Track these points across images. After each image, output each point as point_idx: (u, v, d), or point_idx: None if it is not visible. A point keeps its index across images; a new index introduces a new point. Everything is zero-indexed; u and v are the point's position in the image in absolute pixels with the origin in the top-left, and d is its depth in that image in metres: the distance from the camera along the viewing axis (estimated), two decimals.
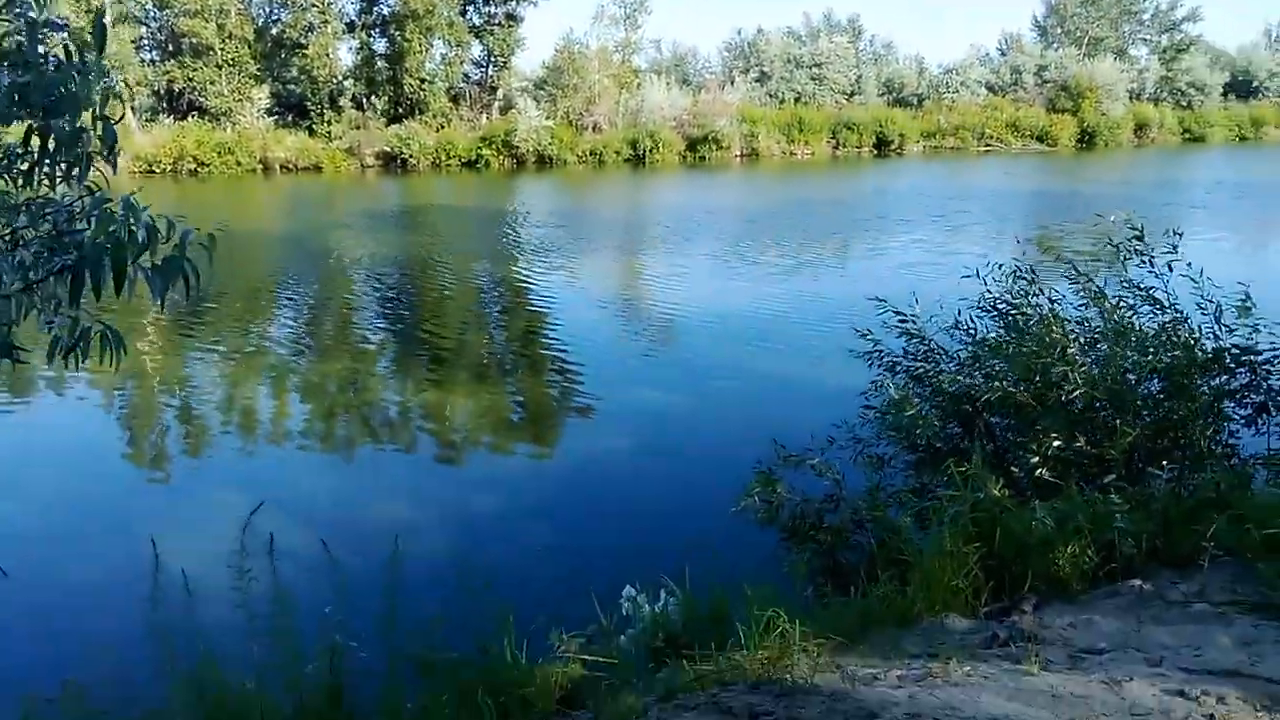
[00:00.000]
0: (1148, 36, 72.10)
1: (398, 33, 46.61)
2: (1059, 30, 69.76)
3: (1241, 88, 70.59)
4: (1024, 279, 5.29)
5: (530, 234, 23.25)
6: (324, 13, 46.80)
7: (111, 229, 1.99)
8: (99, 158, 2.40)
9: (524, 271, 18.17)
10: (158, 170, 39.38)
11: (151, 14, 48.03)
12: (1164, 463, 4.21)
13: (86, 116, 2.39)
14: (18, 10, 2.42)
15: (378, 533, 3.30)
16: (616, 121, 49.03)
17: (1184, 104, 64.76)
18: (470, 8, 49.83)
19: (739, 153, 49.82)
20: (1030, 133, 55.13)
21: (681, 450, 8.68)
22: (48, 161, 2.32)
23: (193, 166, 40.10)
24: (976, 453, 4.09)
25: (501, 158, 44.55)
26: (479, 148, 44.24)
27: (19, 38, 2.40)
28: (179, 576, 2.92)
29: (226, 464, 8.26)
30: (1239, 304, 4.93)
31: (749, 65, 62.15)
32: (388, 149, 43.42)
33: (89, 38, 2.44)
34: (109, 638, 2.94)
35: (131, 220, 2.03)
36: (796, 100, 58.57)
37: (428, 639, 3.07)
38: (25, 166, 2.42)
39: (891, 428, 5.70)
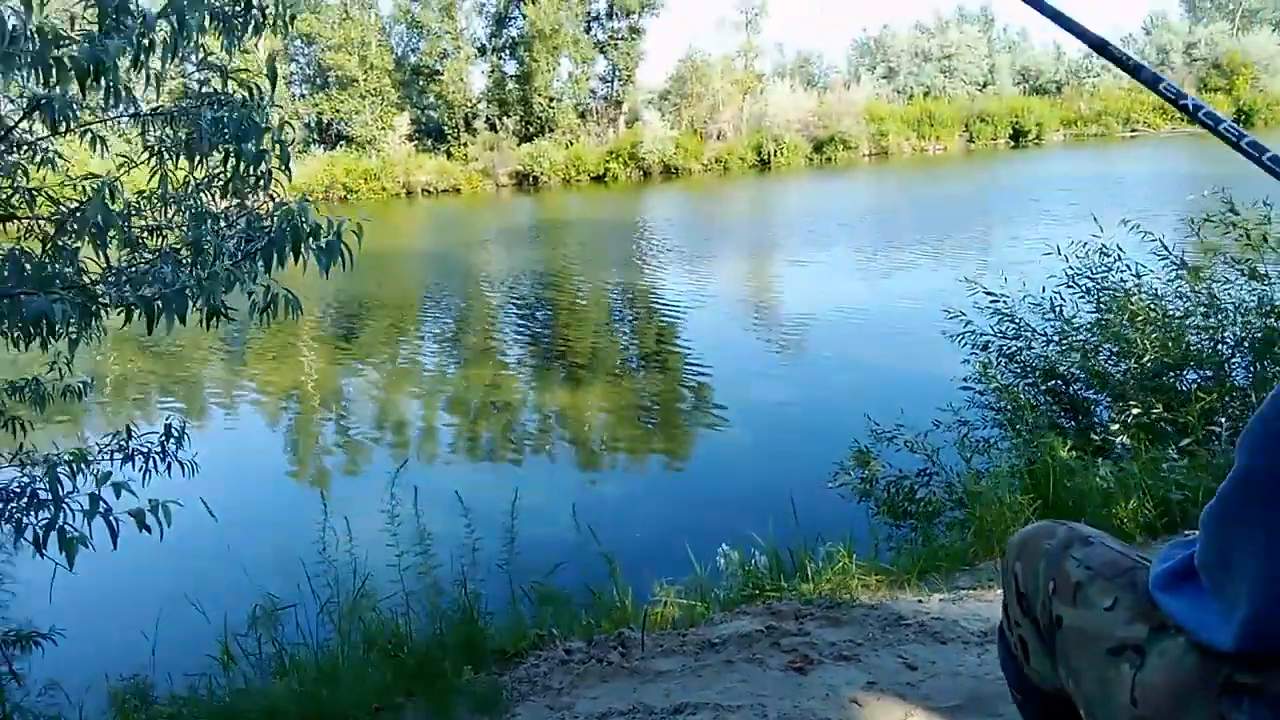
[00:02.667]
0: None
1: (526, 54, 48.46)
2: (1208, 4, 65.82)
3: None
4: (1106, 255, 5.47)
5: (658, 243, 23.89)
6: (456, 39, 49.21)
7: (290, 220, 2.69)
8: (277, 171, 3.14)
9: (653, 279, 18.78)
10: (311, 199, 41.72)
11: (301, 50, 51.52)
12: (1222, 419, 4.35)
13: (266, 138, 3.11)
14: (212, 58, 3.17)
15: (506, 508, 3.89)
16: (741, 128, 49.40)
17: None
18: (594, 24, 51.28)
19: (867, 152, 49.30)
20: (1178, 115, 52.28)
21: (798, 442, 9.04)
22: (239, 178, 3.07)
23: (343, 194, 42.82)
24: (1026, 410, 4.34)
25: (628, 170, 45.63)
26: (606, 161, 45.48)
27: (215, 83, 3.15)
28: (345, 538, 3.58)
29: (379, 470, 9.11)
30: None
31: (875, 62, 61.39)
32: (520, 168, 45.21)
33: (264, 79, 3.17)
34: (289, 581, 3.63)
35: (302, 215, 2.72)
36: (926, 94, 57.43)
37: (546, 579, 3.64)
38: (223, 182, 3.18)
39: (988, 406, 5.96)
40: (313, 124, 49.53)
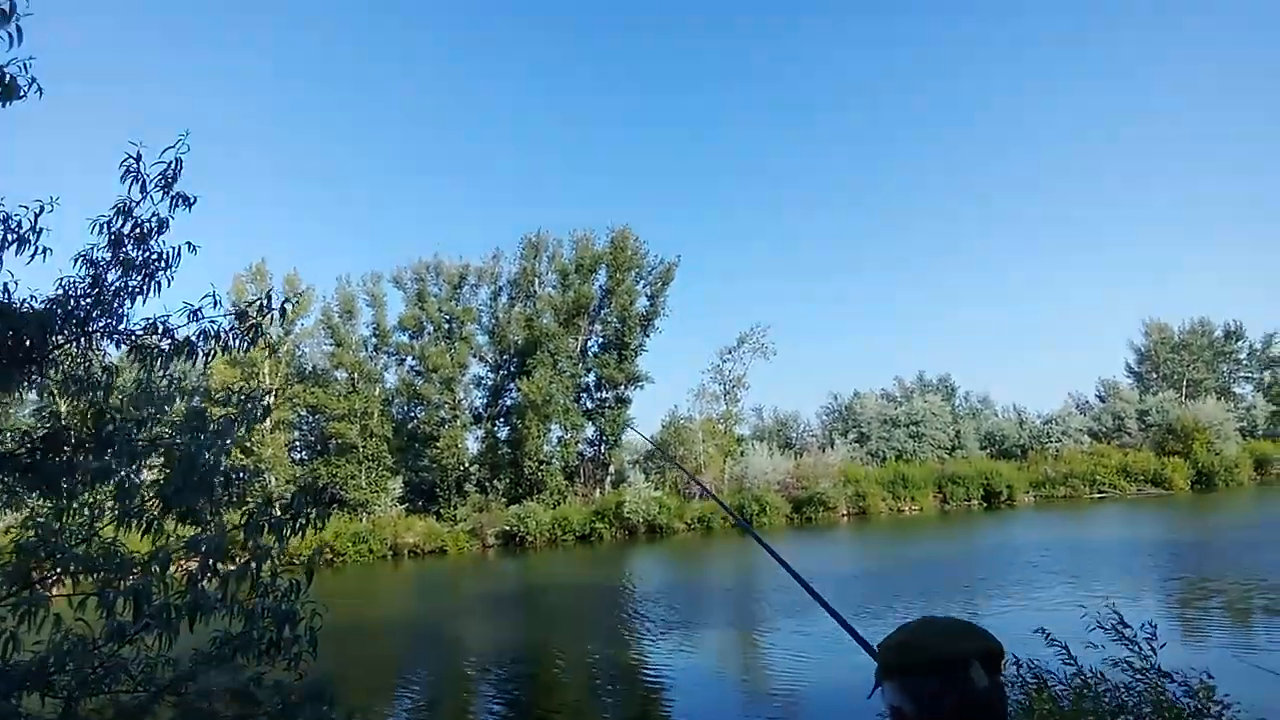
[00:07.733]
0: (1249, 374, 72.68)
1: (519, 421, 51.22)
2: (1155, 375, 71.15)
3: None
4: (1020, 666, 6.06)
5: (641, 610, 24.02)
6: (455, 409, 52.20)
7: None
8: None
9: (635, 650, 18.73)
10: (297, 561, 42.29)
11: (305, 419, 54.29)
12: None
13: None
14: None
15: None
16: (722, 487, 51.09)
17: None
18: (584, 394, 54.76)
19: (845, 512, 50.68)
20: (1143, 477, 54.57)
21: None
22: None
23: (329, 556, 43.08)
24: None
25: (614, 529, 46.53)
26: (592, 521, 46.51)
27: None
28: None
29: None
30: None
31: (848, 427, 64.79)
32: (507, 528, 46.04)
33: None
34: None
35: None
36: (898, 457, 60.05)
37: None
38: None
39: None
40: (308, 486, 50.96)
